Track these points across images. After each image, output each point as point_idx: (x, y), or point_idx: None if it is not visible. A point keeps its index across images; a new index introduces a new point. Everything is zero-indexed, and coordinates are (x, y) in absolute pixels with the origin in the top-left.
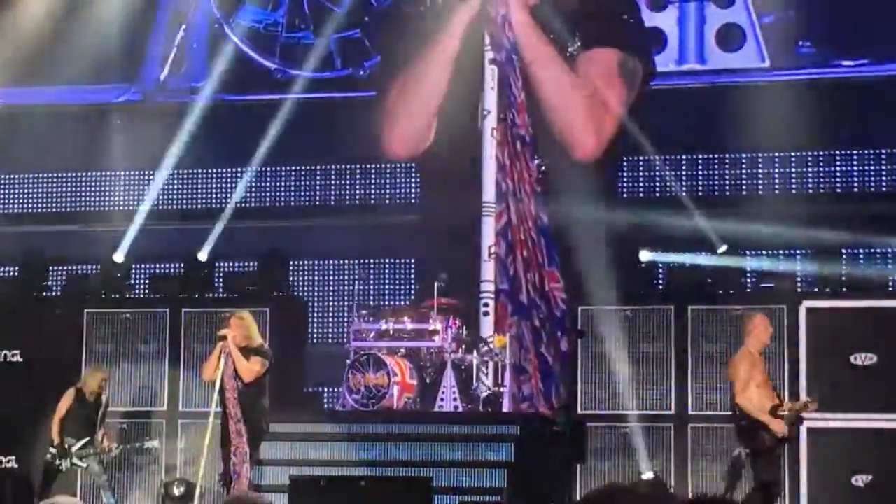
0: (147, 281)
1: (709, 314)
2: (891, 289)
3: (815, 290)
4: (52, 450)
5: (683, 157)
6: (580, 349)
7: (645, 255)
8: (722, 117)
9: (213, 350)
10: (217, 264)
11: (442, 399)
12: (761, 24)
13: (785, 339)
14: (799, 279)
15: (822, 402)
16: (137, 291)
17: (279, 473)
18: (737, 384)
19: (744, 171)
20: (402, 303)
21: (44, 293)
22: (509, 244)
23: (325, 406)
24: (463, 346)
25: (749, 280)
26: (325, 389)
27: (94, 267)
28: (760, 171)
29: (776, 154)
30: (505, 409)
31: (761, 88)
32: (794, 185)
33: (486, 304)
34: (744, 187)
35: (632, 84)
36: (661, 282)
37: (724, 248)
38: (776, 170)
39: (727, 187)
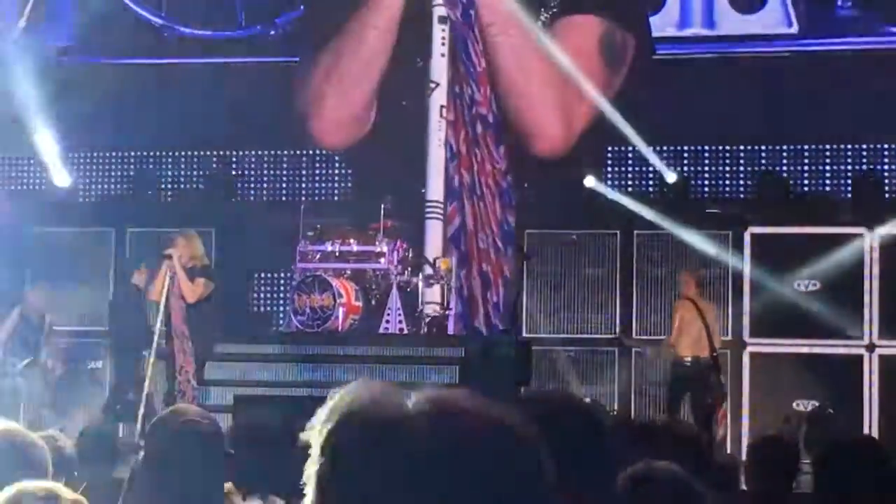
0: (92, 201)
1: (654, 239)
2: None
3: (761, 215)
4: None
5: (685, 148)
6: (525, 272)
7: (589, 182)
8: (736, 97)
9: (159, 269)
10: (162, 185)
11: (387, 321)
12: None
13: (730, 265)
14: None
15: (766, 326)
16: (83, 211)
17: (224, 393)
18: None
19: (763, 166)
20: None
21: None
22: (464, 255)
23: (271, 327)
24: (409, 269)
25: (695, 205)
26: (272, 310)
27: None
28: (785, 168)
29: (805, 146)
30: (450, 332)
31: (787, 60)
32: (827, 186)
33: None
34: (764, 192)
35: (616, 63)
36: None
37: (673, 176)
38: (805, 167)
39: (740, 189)
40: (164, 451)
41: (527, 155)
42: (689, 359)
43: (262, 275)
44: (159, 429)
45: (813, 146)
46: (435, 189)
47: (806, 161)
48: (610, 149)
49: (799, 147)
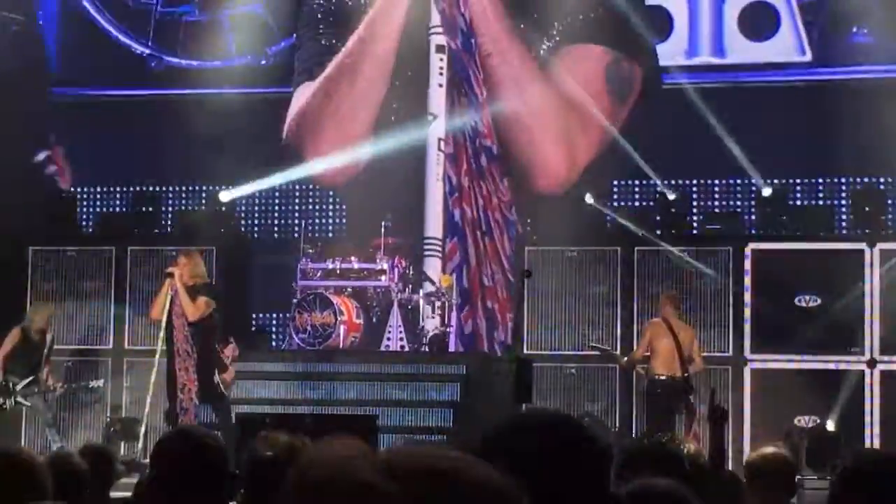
0: (94, 218)
1: (655, 255)
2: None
3: (761, 232)
4: None
5: (693, 181)
6: (526, 290)
7: (589, 199)
8: (747, 129)
9: (161, 288)
10: (164, 203)
11: (388, 338)
12: (801, 3)
13: (730, 281)
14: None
15: (767, 342)
16: (84, 229)
17: None
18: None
19: (776, 204)
20: None
21: None
22: (467, 293)
23: (272, 345)
24: (409, 286)
25: (696, 222)
26: (273, 328)
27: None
28: (798, 202)
29: (819, 180)
30: (451, 349)
31: (800, 91)
32: (844, 231)
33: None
34: (777, 229)
35: (624, 94)
36: (608, 223)
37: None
38: (819, 200)
39: (752, 220)
40: (171, 471)
41: (529, 187)
42: (664, 377)
43: (263, 296)
44: (166, 448)
45: (828, 179)
46: (433, 226)
47: (820, 195)
48: (616, 182)
49: (813, 181)
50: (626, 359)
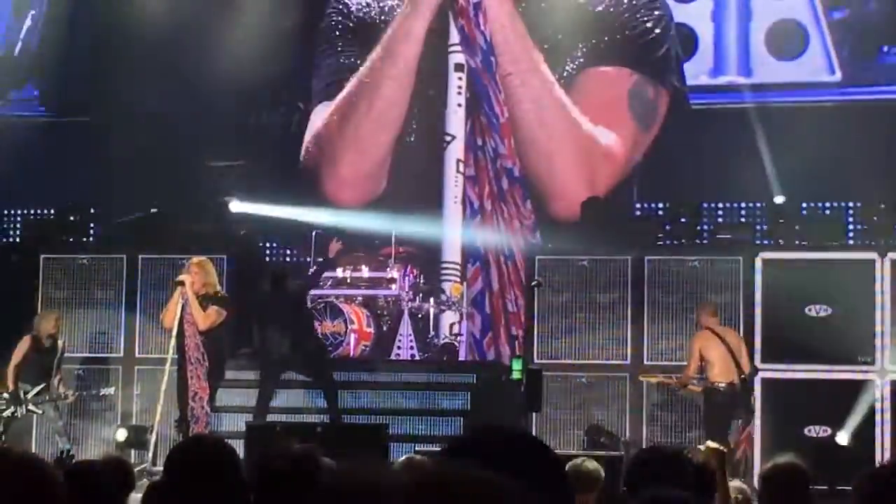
0: (104, 227)
1: (666, 265)
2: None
3: (772, 241)
4: (6, 396)
5: (719, 205)
6: (537, 299)
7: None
8: (774, 150)
9: (172, 296)
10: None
11: (398, 347)
12: (830, 22)
13: (741, 291)
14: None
15: (777, 352)
16: (94, 237)
17: (236, 420)
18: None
19: (806, 229)
20: None
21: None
22: (488, 318)
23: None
24: (420, 295)
25: (706, 231)
26: None
27: (50, 212)
28: (826, 225)
29: (849, 204)
30: (461, 358)
31: (829, 111)
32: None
33: None
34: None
35: (648, 119)
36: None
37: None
38: (851, 226)
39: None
40: (185, 479)
41: (546, 211)
42: (724, 385)
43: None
44: (180, 456)
45: (858, 204)
46: (451, 250)
47: (851, 219)
48: (638, 205)
49: (843, 204)
50: (677, 378)
